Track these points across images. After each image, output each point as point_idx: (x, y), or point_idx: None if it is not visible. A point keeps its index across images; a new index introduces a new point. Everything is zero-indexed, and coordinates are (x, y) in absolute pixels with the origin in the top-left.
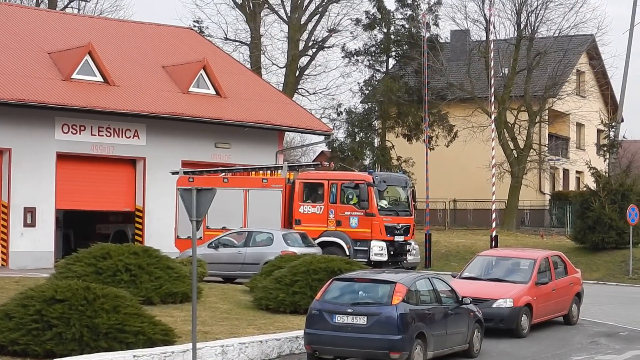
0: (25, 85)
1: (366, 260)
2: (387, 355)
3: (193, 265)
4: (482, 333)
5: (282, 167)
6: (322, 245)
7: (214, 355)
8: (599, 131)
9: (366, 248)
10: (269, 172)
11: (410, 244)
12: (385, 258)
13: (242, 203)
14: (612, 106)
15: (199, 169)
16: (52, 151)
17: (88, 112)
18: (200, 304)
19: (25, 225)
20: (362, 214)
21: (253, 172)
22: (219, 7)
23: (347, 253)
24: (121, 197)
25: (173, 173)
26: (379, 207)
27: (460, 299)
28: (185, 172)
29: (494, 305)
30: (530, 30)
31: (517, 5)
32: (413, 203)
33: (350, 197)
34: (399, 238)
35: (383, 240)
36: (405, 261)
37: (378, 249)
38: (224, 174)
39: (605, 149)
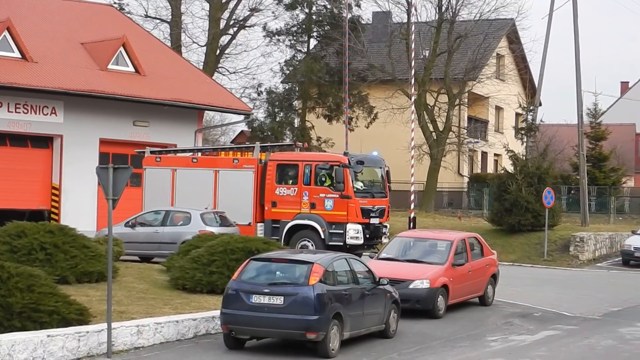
0: None
1: (342, 243)
2: (304, 335)
3: (109, 244)
4: (398, 314)
5: (254, 147)
6: (296, 228)
7: (129, 335)
8: (517, 114)
9: (342, 231)
10: (239, 152)
11: (386, 226)
12: (361, 241)
13: (212, 184)
14: (531, 90)
15: (118, 146)
16: None
17: (5, 89)
18: (116, 284)
19: None
20: (337, 196)
21: (223, 152)
22: None
23: (322, 236)
24: (36, 189)
25: (139, 152)
26: (355, 189)
27: (377, 279)
28: (152, 152)
29: (411, 286)
30: (451, 13)
31: None
32: (388, 184)
33: (324, 178)
34: (374, 220)
35: (359, 223)
36: (380, 244)
37: (354, 232)
38: (192, 153)
39: (523, 132)
